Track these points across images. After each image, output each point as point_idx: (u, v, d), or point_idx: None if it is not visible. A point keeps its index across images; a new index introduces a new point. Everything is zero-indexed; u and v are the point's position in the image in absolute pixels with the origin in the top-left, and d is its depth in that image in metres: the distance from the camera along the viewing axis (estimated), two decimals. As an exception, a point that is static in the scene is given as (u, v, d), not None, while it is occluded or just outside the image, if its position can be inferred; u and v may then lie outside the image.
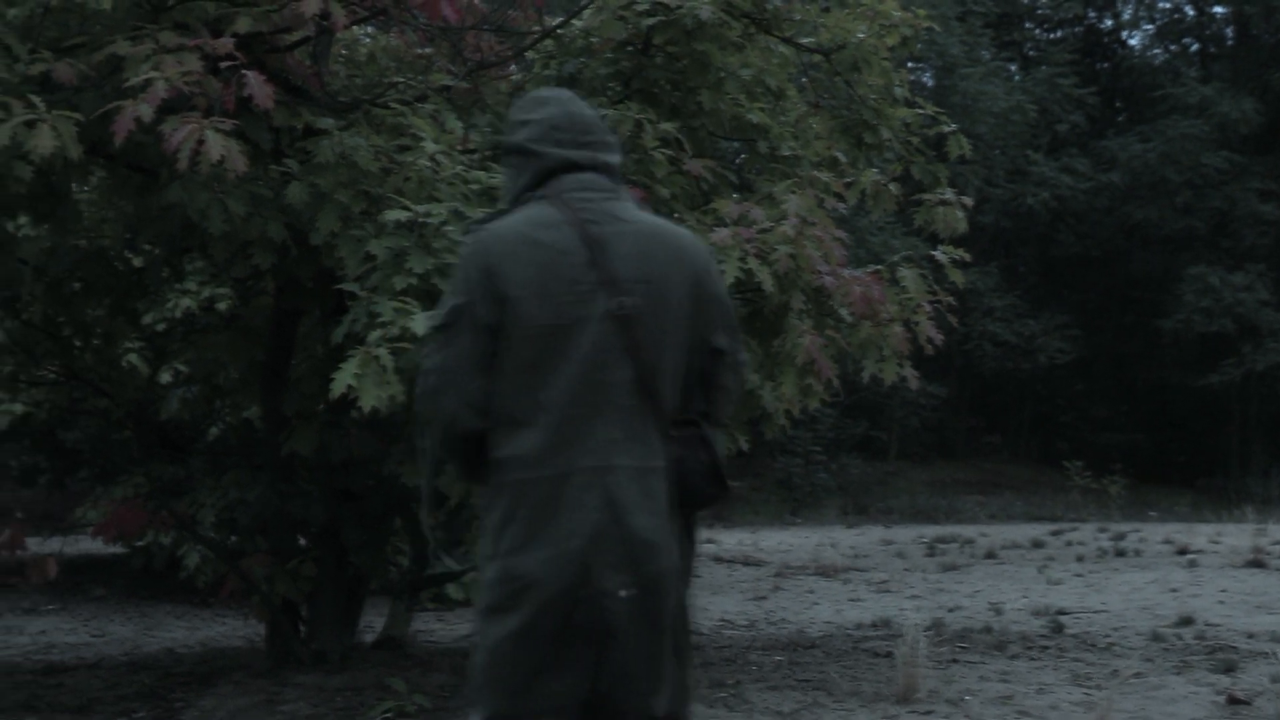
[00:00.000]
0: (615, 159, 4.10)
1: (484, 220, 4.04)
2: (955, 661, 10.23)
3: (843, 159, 9.86)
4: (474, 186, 7.46)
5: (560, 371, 3.74)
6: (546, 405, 3.74)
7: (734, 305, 7.92)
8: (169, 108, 6.51)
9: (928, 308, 8.74)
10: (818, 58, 9.75)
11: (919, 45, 10.11)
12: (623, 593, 3.69)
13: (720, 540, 22.51)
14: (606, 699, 3.75)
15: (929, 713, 8.34)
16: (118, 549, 15.40)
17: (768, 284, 7.71)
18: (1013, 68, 42.15)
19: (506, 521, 3.75)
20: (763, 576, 17.49)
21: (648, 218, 4.02)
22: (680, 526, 3.96)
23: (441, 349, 3.87)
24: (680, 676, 3.90)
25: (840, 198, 9.23)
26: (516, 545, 3.71)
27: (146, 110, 6.37)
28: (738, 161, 11.90)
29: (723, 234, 7.84)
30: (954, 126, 10.02)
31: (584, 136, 4.03)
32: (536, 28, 9.98)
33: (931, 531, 23.53)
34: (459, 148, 8.29)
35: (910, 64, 25.05)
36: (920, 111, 10.06)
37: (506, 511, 3.75)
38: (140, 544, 14.55)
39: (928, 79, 36.99)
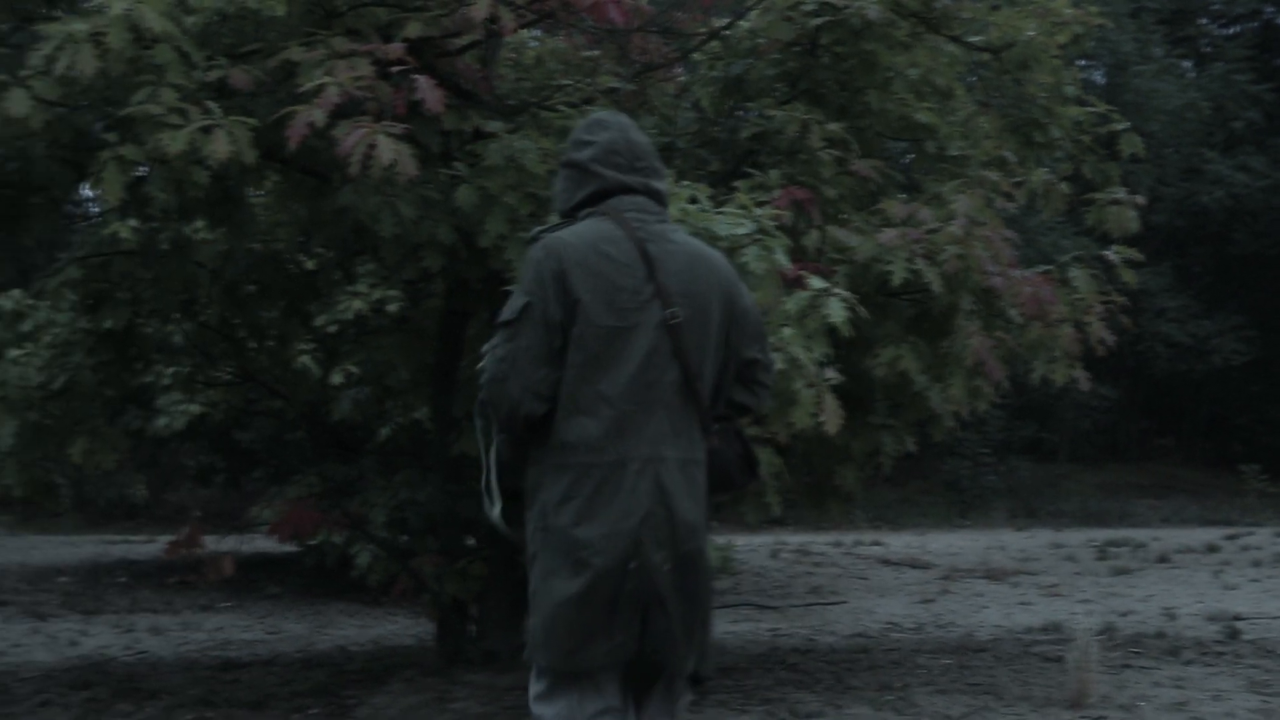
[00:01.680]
0: (664, 185, 4.59)
1: (550, 229, 4.45)
2: (1128, 667, 10.07)
3: (1012, 158, 9.74)
4: (639, 188, 7.47)
5: (619, 369, 4.23)
6: (607, 397, 4.22)
7: (902, 306, 7.88)
8: (341, 112, 6.61)
9: (1099, 308, 8.63)
10: (986, 56, 9.66)
11: (1090, 43, 9.94)
12: (666, 566, 4.19)
13: (887, 543, 22.35)
14: (650, 659, 4.22)
15: (1100, 718, 8.23)
16: (291, 548, 15.63)
17: (936, 285, 7.65)
18: (1186, 64, 41.37)
19: (567, 498, 4.22)
20: (930, 579, 17.35)
21: (690, 240, 4.55)
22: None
23: (510, 340, 4.28)
24: (705, 637, 4.37)
25: (1009, 198, 9.14)
26: (578, 520, 4.19)
27: (320, 115, 6.47)
28: (905, 161, 11.84)
29: (890, 235, 7.80)
30: (1126, 124, 9.87)
31: (639, 162, 4.52)
32: (703, 29, 9.99)
33: (1102, 535, 23.16)
34: (626, 150, 8.31)
35: (1081, 62, 24.65)
36: (1091, 110, 9.92)
37: (568, 489, 4.22)
38: (313, 543, 14.75)
39: (1099, 77, 36.42)
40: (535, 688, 4.32)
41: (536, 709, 4.31)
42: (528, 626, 4.33)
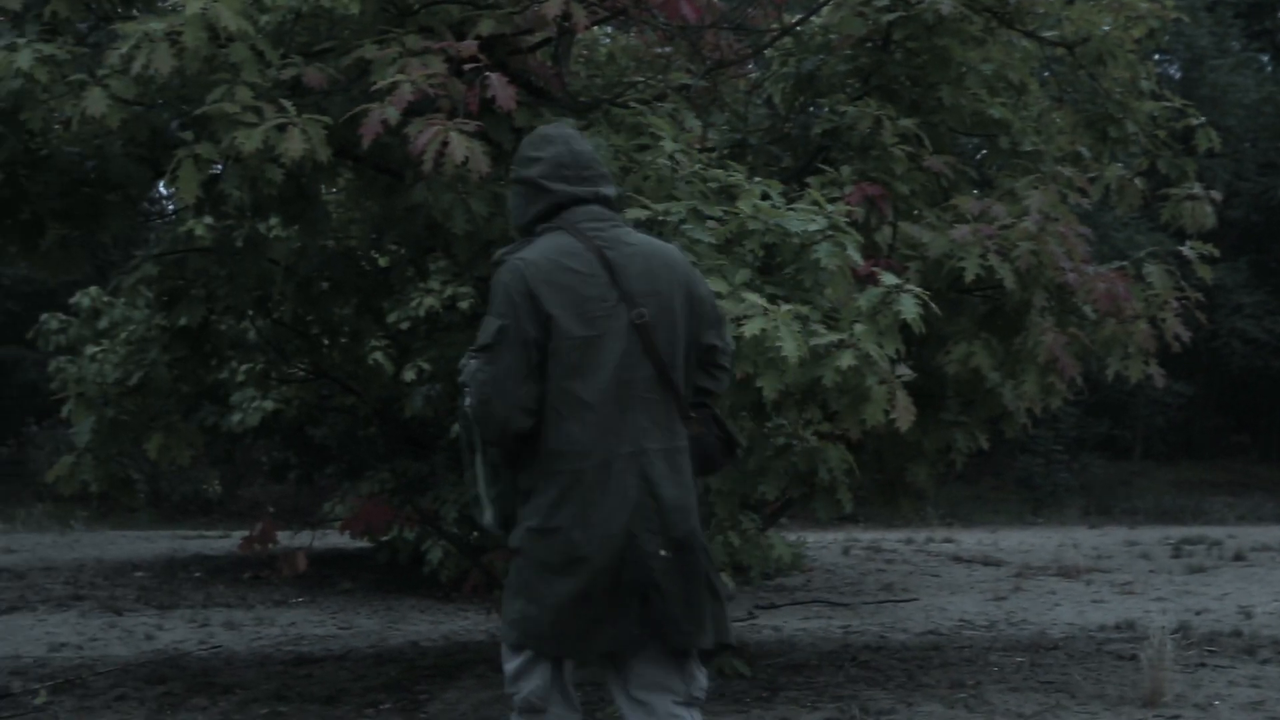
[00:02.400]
0: (612, 191, 4.83)
1: (511, 251, 4.66)
2: (1203, 665, 9.99)
3: (1086, 154, 9.67)
4: (712, 184, 7.47)
5: (597, 374, 4.49)
6: (588, 403, 4.47)
7: (975, 302, 7.85)
8: (414, 110, 6.63)
9: (1174, 304, 8.55)
10: (1061, 51, 9.59)
11: (1166, 37, 9.86)
12: (662, 552, 4.46)
13: (959, 540, 22.26)
14: (659, 640, 4.51)
15: (1175, 717, 8.17)
16: (364, 544, 15.73)
17: (1009, 281, 7.61)
18: (1264, 58, 41.00)
19: (561, 501, 4.47)
20: (1003, 577, 17.26)
21: (645, 239, 4.82)
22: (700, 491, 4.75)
23: (491, 363, 4.51)
24: (719, 611, 4.63)
25: (1083, 193, 9.07)
26: (573, 522, 4.45)
27: (393, 113, 6.50)
28: (978, 157, 11.78)
29: (963, 231, 7.76)
30: (1202, 119, 9.78)
31: (586, 172, 4.75)
32: (775, 25, 9.98)
33: (1177, 533, 22.95)
34: (697, 146, 8.31)
35: (1157, 56, 24.50)
36: (1167, 104, 9.84)
37: (561, 493, 4.47)
38: (386, 539, 14.84)
39: (1175, 71, 36.11)
40: (511, 665, 4.62)
41: (511, 686, 4.63)
42: (519, 612, 4.55)
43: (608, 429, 4.48)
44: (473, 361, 4.61)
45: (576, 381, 4.48)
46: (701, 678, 4.68)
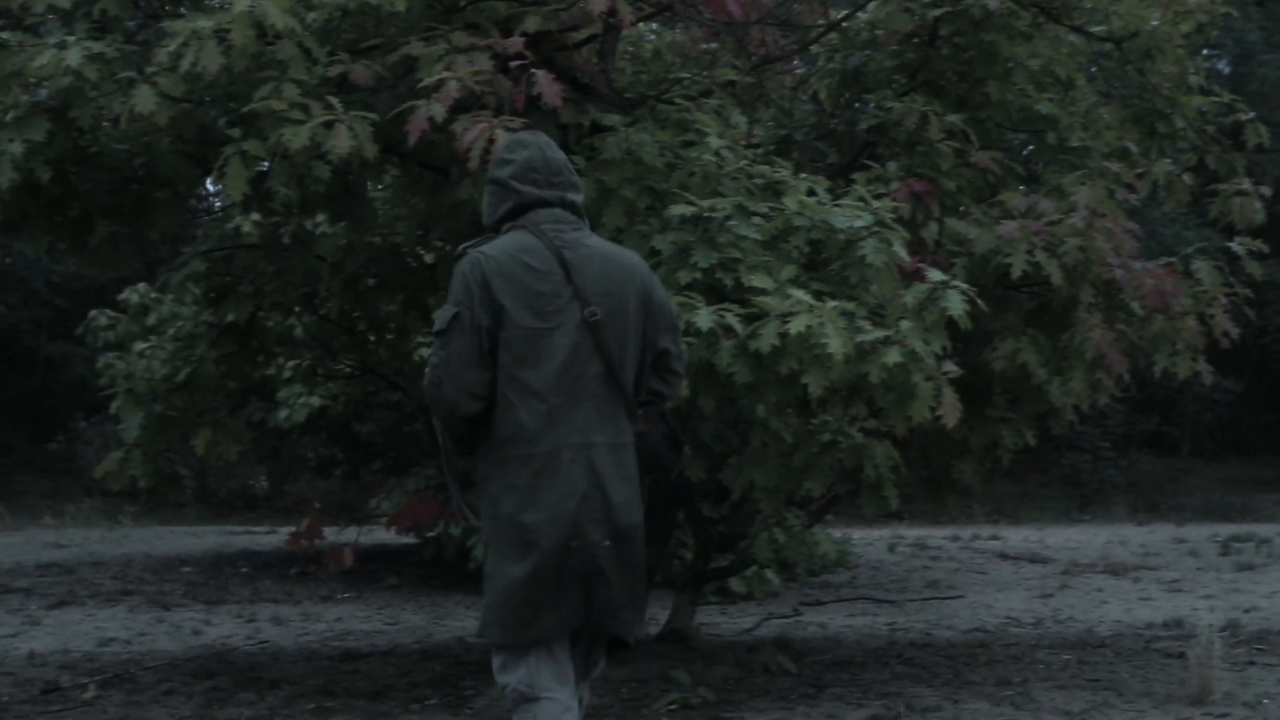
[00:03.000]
0: (579, 197, 5.05)
1: (474, 244, 4.89)
2: (1252, 664, 9.93)
3: (1134, 149, 9.64)
4: (758, 181, 7.47)
5: (546, 365, 4.70)
6: (537, 392, 4.69)
7: (1022, 298, 7.82)
8: (460, 107, 6.64)
9: (1223, 301, 8.52)
10: (1109, 46, 9.56)
11: (1215, 32, 9.82)
12: (606, 543, 4.69)
13: (1006, 537, 22.18)
14: (598, 627, 4.83)
15: (1224, 715, 8.12)
16: (410, 539, 15.77)
17: (1056, 277, 7.59)
18: (1313, 53, 40.76)
19: (511, 487, 4.70)
20: (1049, 574, 17.19)
21: (604, 243, 5.06)
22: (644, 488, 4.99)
23: (443, 348, 4.74)
24: (641, 607, 5.03)
25: (1131, 189, 9.04)
26: (522, 507, 4.67)
27: (439, 110, 6.52)
28: (1025, 153, 11.74)
29: (1010, 227, 7.74)
30: (1252, 114, 9.73)
31: (555, 177, 4.98)
32: (821, 21, 9.96)
33: (1226, 530, 22.80)
34: (743, 142, 8.31)
35: (1205, 51, 24.32)
36: (1216, 99, 9.80)
37: (511, 479, 4.70)
38: (432, 535, 14.88)
39: (1224, 66, 35.88)
40: (496, 661, 4.87)
41: (501, 679, 4.85)
42: (482, 605, 4.84)
43: (557, 419, 4.69)
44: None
45: (526, 371, 4.70)
46: (602, 661, 5.09)
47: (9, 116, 7.23)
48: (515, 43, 6.96)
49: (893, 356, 6.44)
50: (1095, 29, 9.42)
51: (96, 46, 6.92)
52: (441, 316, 4.80)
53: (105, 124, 7.62)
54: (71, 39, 6.97)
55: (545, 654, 4.77)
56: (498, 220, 5.00)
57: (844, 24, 9.63)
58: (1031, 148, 10.72)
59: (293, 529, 16.07)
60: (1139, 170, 9.48)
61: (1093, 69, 10.34)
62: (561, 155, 5.10)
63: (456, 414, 4.77)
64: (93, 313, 11.94)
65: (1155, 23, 9.25)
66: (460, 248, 4.95)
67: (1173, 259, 8.60)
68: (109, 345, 11.38)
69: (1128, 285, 7.93)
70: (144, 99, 6.78)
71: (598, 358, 4.77)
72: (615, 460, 4.78)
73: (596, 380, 4.77)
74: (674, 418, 5.15)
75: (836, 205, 7.16)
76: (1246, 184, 9.25)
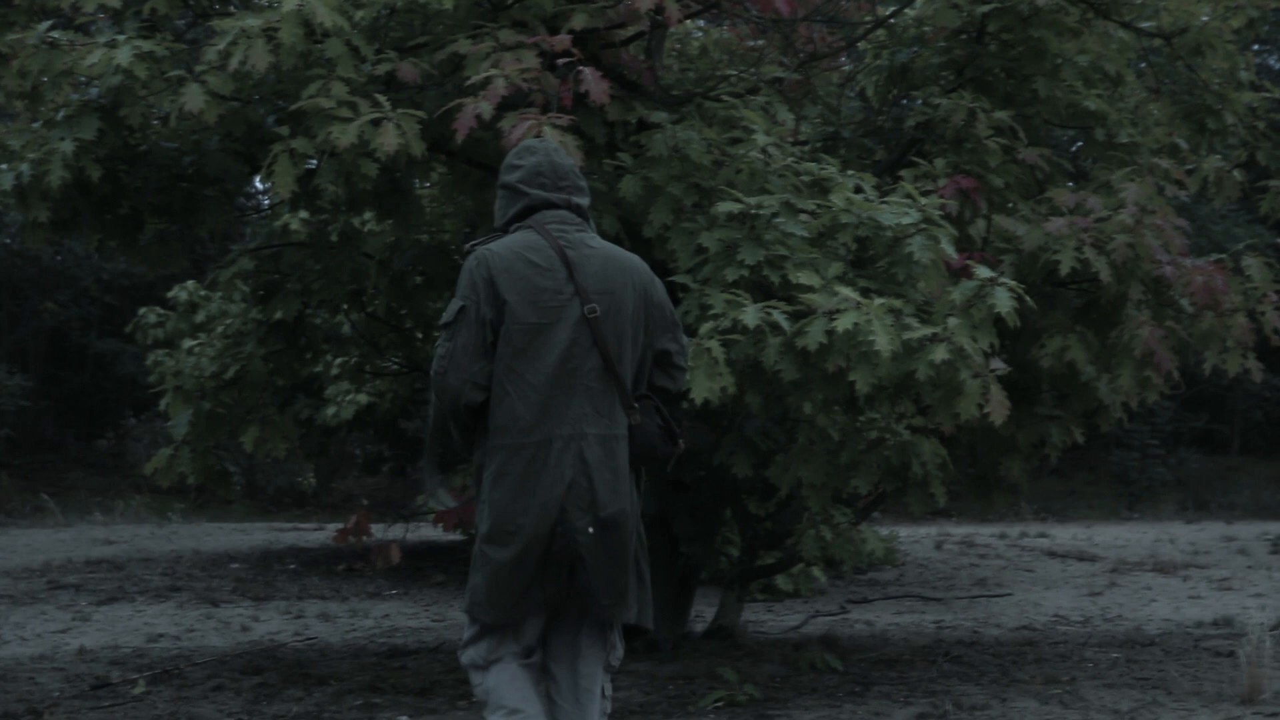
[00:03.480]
0: (585, 200, 5.30)
1: (482, 241, 5.16)
2: (1302, 663, 9.87)
3: (1183, 145, 9.59)
4: (804, 178, 7.46)
5: (544, 359, 4.95)
6: (533, 384, 4.94)
7: (1070, 295, 7.80)
8: (507, 104, 6.67)
9: (1273, 297, 8.47)
10: (1158, 42, 9.51)
11: (1266, 27, 9.76)
12: (590, 529, 4.91)
13: (1053, 535, 22.09)
14: (580, 609, 5.04)
15: (1275, 715, 8.07)
16: (456, 536, 15.79)
17: (1105, 274, 7.56)
18: (1365, 47, 40.53)
19: (503, 474, 4.95)
20: (1098, 572, 17.11)
21: (607, 244, 5.24)
22: (634, 477, 5.16)
23: (449, 340, 5.02)
24: (643, 593, 5.16)
25: (1181, 185, 8.99)
26: (512, 493, 4.92)
27: (486, 108, 6.54)
28: (1073, 150, 11.69)
29: (1058, 223, 7.71)
30: (1303, 110, 9.68)
31: (562, 182, 5.23)
32: (868, 18, 9.94)
33: (1276, 528, 22.64)
34: (790, 139, 8.30)
35: (1256, 46, 24.17)
36: (1266, 95, 9.74)
37: (502, 466, 4.96)
38: (478, 531, 14.87)
39: (1274, 61, 35.72)
40: (465, 634, 5.19)
41: (462, 654, 5.21)
42: (469, 585, 5.08)
43: (550, 410, 4.95)
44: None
45: (524, 363, 4.95)
46: (620, 648, 5.25)
47: (60, 115, 7.32)
48: (562, 40, 6.97)
49: (940, 354, 6.43)
50: (1144, 24, 9.38)
51: (146, 45, 6.97)
52: (449, 310, 5.07)
53: (155, 122, 7.69)
54: (121, 38, 7.03)
55: (512, 634, 5.07)
56: (507, 221, 5.24)
57: (891, 20, 9.61)
58: (1080, 144, 10.67)
59: (340, 525, 16.11)
60: (1188, 166, 9.43)
61: (1142, 64, 10.30)
62: (569, 161, 5.36)
63: (460, 402, 5.03)
64: (142, 310, 12.01)
65: (1205, 18, 9.21)
66: (467, 245, 5.19)
67: (1222, 255, 8.55)
68: (158, 342, 11.45)
69: (1177, 282, 7.89)
70: (193, 97, 6.83)
71: (595, 352, 5.01)
72: (606, 451, 5.00)
73: (593, 374, 5.01)
74: (669, 411, 5.32)
75: (883, 202, 7.14)
76: (1298, 180, 9.20)
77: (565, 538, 4.91)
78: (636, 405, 5.13)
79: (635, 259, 5.31)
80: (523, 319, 4.94)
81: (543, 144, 5.38)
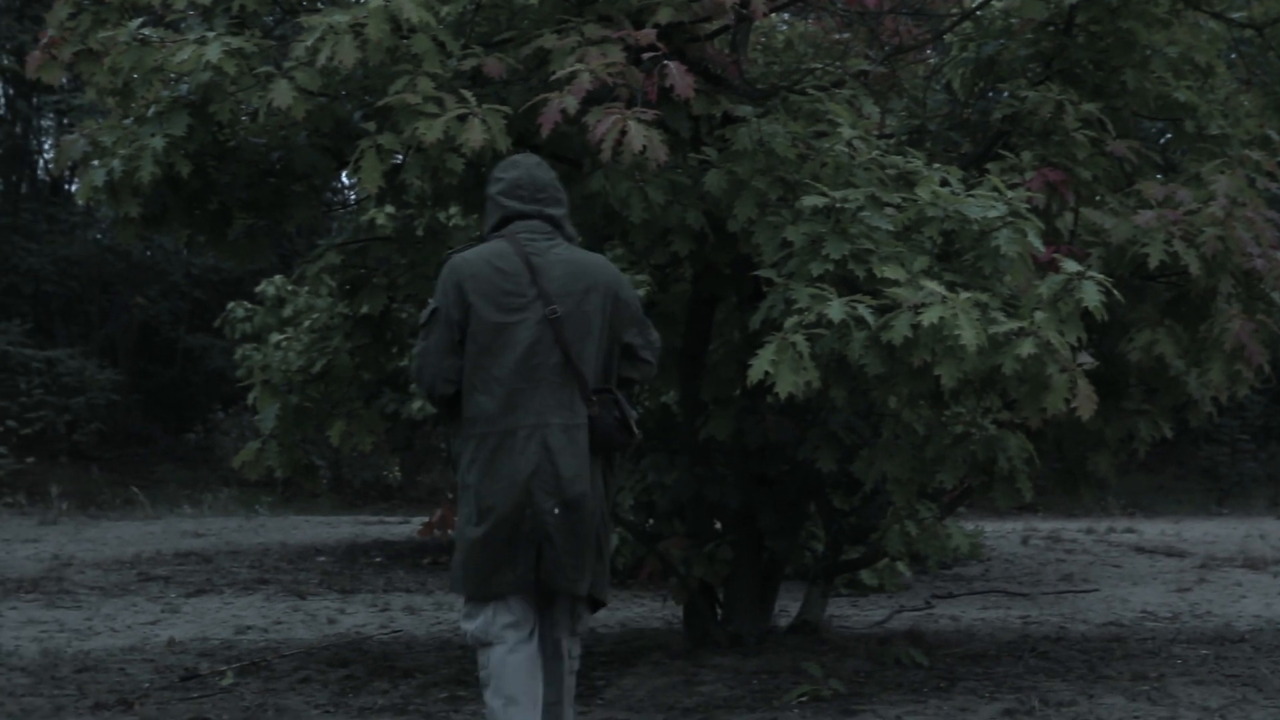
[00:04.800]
0: (558, 211, 5.93)
1: (457, 250, 5.89)
2: (1396, 661, 9.75)
3: (1275, 137, 9.47)
4: (890, 171, 7.42)
5: (507, 355, 5.59)
6: (498, 379, 5.58)
7: (1159, 288, 7.73)
8: (592, 99, 6.67)
9: (1368, 290, 8.36)
10: (1249, 32, 9.41)
11: (1360, 17, 9.64)
12: (555, 511, 5.52)
13: (1141, 530, 21.89)
14: (546, 584, 5.64)
15: (1367, 714, 7.99)
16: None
17: (1194, 267, 7.48)
18: None
19: (473, 460, 5.62)
20: (1186, 568, 16.94)
21: (573, 250, 5.87)
22: (602, 464, 5.79)
23: (424, 339, 5.71)
24: (600, 569, 5.79)
25: (1272, 177, 8.88)
26: (481, 478, 5.58)
27: (572, 102, 6.55)
28: (1162, 142, 11.58)
29: (1147, 216, 7.64)
30: (1397, 101, 9.54)
31: (539, 194, 5.88)
32: (955, 10, 9.90)
33: (1368, 525, 22.42)
34: (875, 133, 8.27)
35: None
36: (1360, 86, 9.62)
37: (474, 453, 5.62)
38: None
39: (1367, 51, 35.28)
40: (462, 610, 5.83)
41: (462, 625, 5.83)
42: (451, 563, 5.79)
43: (515, 402, 5.56)
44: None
45: (489, 359, 5.59)
46: (585, 618, 5.97)
47: (150, 111, 7.39)
48: (648, 34, 6.97)
49: (1027, 348, 6.38)
50: (1235, 14, 9.29)
51: (235, 42, 7.03)
52: (425, 312, 5.76)
53: (244, 118, 7.76)
54: (211, 34, 7.08)
55: (502, 606, 5.65)
56: (489, 231, 5.89)
57: (978, 12, 9.56)
58: (1169, 136, 10.58)
59: (425, 519, 16.21)
60: (1280, 158, 9.33)
61: (1232, 55, 10.19)
62: (549, 175, 5.98)
63: (435, 395, 5.77)
64: (230, 305, 12.15)
65: (1297, 8, 9.10)
66: (445, 254, 5.77)
67: (1315, 248, 8.45)
68: (246, 337, 11.58)
69: (1268, 275, 7.80)
70: (281, 93, 6.88)
71: (557, 349, 5.61)
72: (568, 439, 5.59)
73: (555, 369, 5.61)
74: (628, 404, 5.87)
75: (970, 195, 7.10)
76: (1395, 171, 9.07)
77: (534, 519, 5.51)
78: (594, 398, 5.68)
79: (602, 261, 5.95)
80: (487, 319, 5.59)
81: (525, 159, 6.01)
